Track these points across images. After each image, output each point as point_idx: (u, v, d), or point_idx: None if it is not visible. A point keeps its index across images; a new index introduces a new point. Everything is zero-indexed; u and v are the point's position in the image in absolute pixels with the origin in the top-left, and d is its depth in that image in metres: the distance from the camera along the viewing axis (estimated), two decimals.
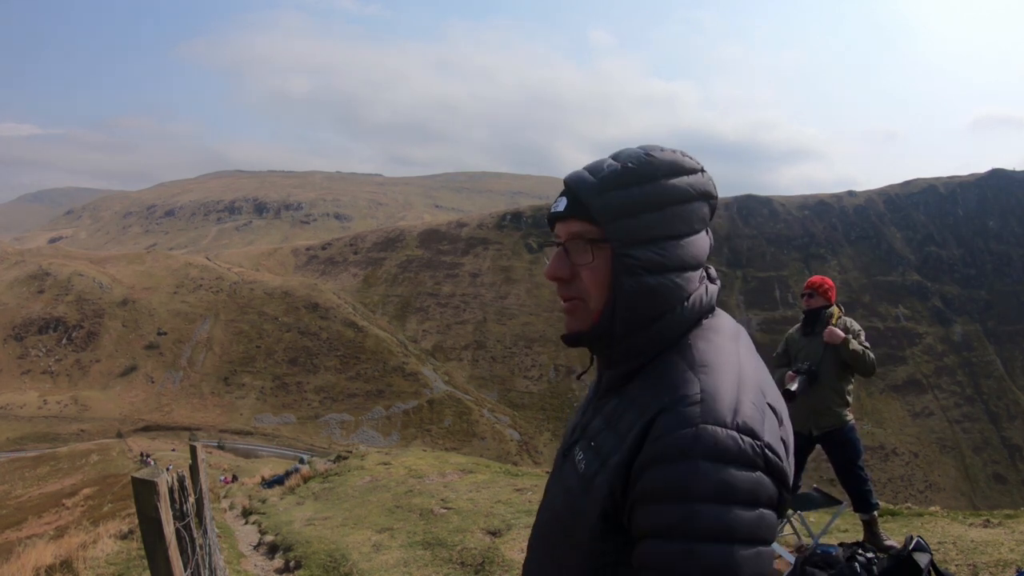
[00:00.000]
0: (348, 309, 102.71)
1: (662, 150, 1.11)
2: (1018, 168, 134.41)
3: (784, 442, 1.02)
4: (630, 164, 1.08)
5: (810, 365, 4.50)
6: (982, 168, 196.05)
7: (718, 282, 1.16)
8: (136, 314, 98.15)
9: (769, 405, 1.03)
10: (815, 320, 4.72)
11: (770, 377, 1.10)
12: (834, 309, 4.73)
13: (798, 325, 4.93)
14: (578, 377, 1.32)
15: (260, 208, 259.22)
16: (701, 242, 1.11)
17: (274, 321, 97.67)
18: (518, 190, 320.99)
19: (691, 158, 1.12)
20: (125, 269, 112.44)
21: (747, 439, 0.95)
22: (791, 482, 1.01)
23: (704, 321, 1.11)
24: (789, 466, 1.00)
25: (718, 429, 0.95)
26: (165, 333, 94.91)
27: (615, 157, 1.11)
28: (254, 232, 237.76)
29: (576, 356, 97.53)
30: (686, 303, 1.08)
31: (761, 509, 0.95)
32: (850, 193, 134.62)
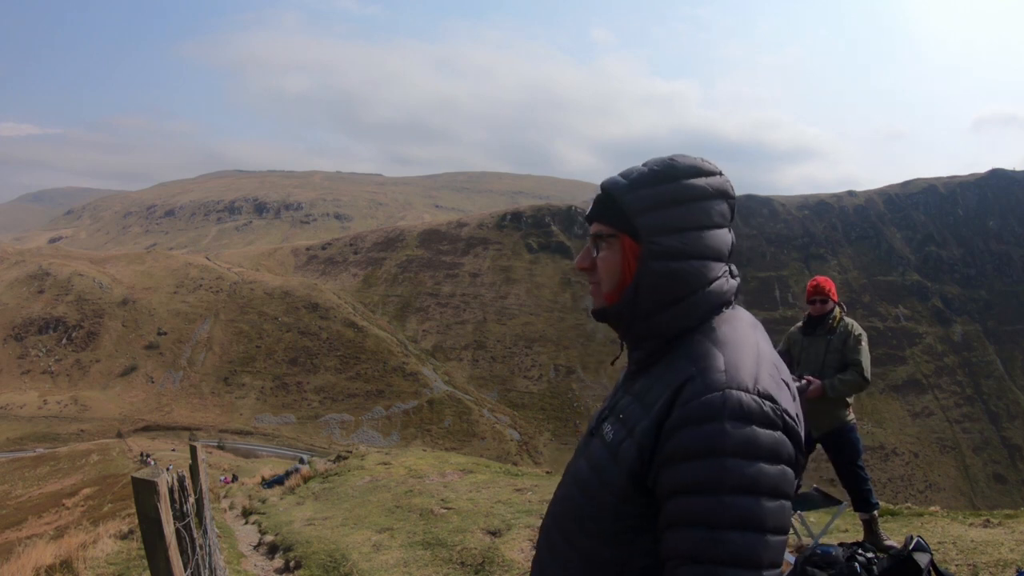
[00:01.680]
0: (348, 309, 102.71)
1: (685, 156, 1.29)
2: (1018, 168, 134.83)
3: (798, 414, 1.15)
4: (655, 167, 1.26)
5: (807, 382, 4.40)
6: (983, 168, 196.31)
7: (738, 279, 1.32)
8: (136, 314, 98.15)
9: (784, 381, 1.17)
10: (818, 323, 4.71)
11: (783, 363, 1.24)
12: (836, 311, 4.71)
13: (799, 324, 4.89)
14: (612, 363, 1.45)
15: (260, 208, 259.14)
16: (722, 237, 1.26)
17: (274, 321, 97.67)
18: (518, 190, 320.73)
19: (711, 163, 1.29)
20: (125, 269, 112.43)
21: (768, 403, 1.08)
22: (804, 447, 1.13)
23: (725, 310, 1.27)
24: (803, 433, 1.13)
25: (742, 394, 1.07)
26: (165, 333, 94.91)
27: (645, 164, 1.30)
28: (254, 232, 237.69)
29: (576, 356, 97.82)
30: (707, 289, 1.24)
31: (783, 465, 1.06)
32: (850, 193, 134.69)
